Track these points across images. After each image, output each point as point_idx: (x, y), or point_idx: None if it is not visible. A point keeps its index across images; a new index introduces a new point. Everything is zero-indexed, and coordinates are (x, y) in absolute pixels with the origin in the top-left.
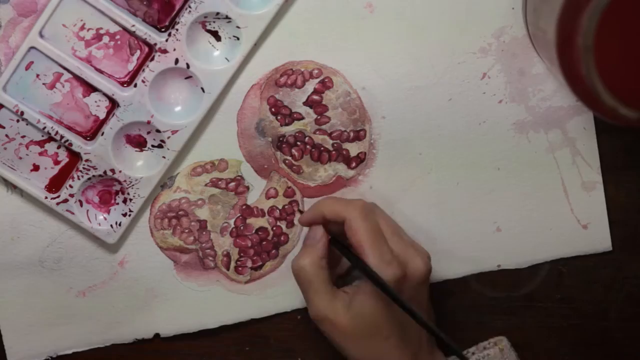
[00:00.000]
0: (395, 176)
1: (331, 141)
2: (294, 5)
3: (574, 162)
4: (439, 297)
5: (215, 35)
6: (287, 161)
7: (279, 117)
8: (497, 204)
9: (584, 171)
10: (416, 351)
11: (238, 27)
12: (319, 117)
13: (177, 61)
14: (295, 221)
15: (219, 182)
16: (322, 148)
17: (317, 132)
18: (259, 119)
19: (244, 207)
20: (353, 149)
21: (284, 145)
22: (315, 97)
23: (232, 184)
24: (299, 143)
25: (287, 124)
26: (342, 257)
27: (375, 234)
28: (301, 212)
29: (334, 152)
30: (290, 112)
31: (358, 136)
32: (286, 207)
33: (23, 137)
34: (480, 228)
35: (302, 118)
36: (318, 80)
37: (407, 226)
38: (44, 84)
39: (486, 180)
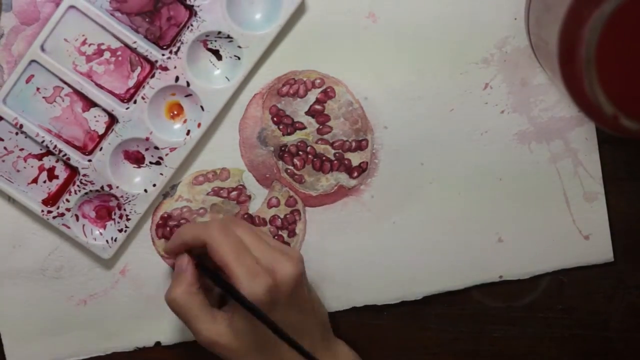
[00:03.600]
0: (397, 186)
1: (333, 151)
2: (297, 14)
3: (576, 172)
4: (440, 307)
5: (216, 54)
6: (289, 170)
7: (281, 127)
8: (499, 215)
9: (585, 182)
10: (310, 347)
11: (239, 46)
12: (321, 126)
13: (177, 79)
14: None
15: (221, 191)
16: (324, 158)
17: (319, 142)
18: (261, 128)
19: (245, 216)
20: (355, 158)
21: (285, 155)
22: (318, 106)
23: (234, 193)
24: (300, 152)
25: (289, 134)
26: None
27: (236, 248)
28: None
29: (335, 161)
30: (292, 121)
31: (360, 146)
32: (288, 216)
33: (21, 150)
34: (482, 238)
35: (304, 127)
36: (320, 89)
37: (408, 236)
38: (43, 97)
39: (488, 191)
